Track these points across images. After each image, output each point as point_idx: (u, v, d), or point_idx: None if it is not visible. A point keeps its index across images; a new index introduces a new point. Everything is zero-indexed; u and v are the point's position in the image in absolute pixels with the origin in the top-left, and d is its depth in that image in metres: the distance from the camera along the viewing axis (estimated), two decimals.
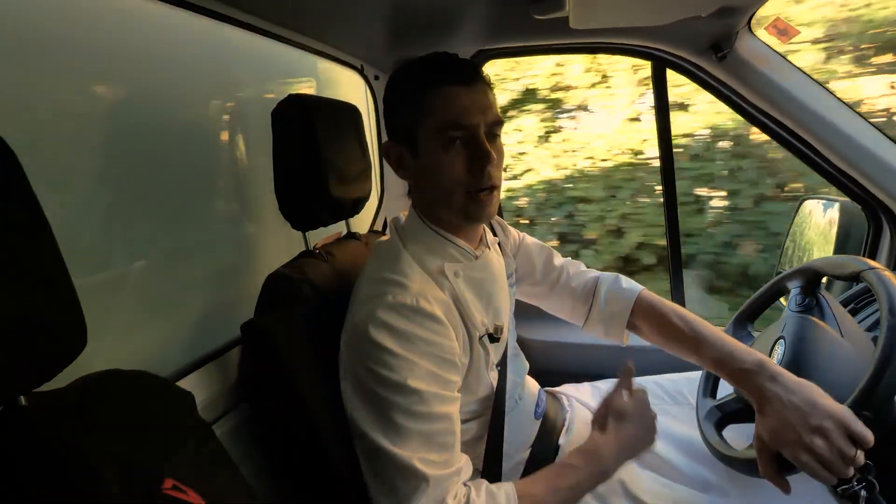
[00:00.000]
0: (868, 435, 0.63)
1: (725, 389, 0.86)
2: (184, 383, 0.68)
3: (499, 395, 0.82)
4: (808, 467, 0.63)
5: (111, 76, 0.79)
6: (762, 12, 0.99)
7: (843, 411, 0.64)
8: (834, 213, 1.18)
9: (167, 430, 0.48)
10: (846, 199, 1.16)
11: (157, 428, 0.47)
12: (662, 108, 1.26)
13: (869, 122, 1.05)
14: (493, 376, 0.81)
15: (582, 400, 1.02)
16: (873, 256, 1.19)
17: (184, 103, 0.94)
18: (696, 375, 0.96)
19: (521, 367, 0.96)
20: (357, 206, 0.98)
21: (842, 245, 1.16)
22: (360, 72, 1.26)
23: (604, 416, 0.77)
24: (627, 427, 0.76)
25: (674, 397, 1.02)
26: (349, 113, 0.95)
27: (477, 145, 0.71)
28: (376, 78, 1.29)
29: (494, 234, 0.93)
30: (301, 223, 0.85)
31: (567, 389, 1.07)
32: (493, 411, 0.81)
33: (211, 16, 0.82)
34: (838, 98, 1.05)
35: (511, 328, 0.90)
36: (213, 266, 0.99)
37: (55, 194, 0.67)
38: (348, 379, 0.70)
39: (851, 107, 1.06)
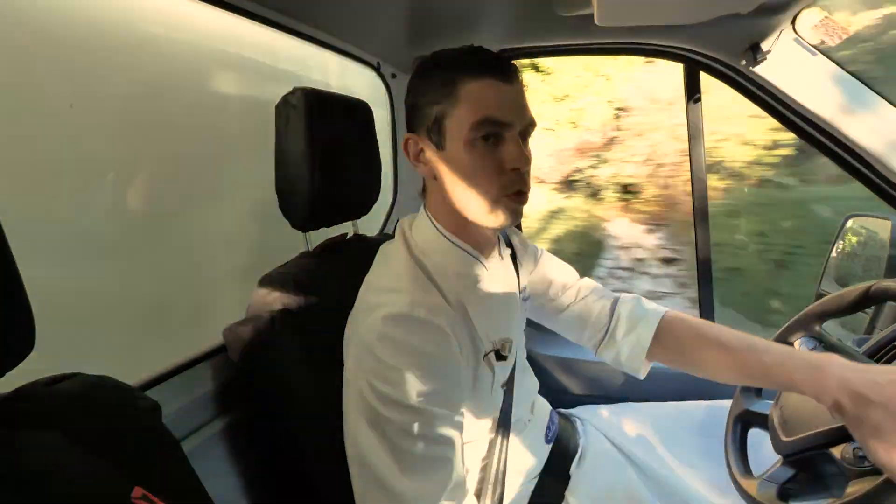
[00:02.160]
0: None
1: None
2: (159, 391, 0.64)
3: (504, 416, 0.75)
4: None
5: (115, 67, 0.77)
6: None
7: None
8: (884, 230, 1.07)
9: (129, 440, 0.44)
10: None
11: (119, 438, 0.43)
12: (696, 116, 1.18)
13: None
14: (499, 397, 0.75)
15: (598, 425, 0.95)
16: None
17: (184, 96, 0.92)
18: (727, 404, 0.87)
19: (530, 385, 0.89)
20: (365, 206, 0.94)
21: (893, 266, 1.05)
22: (377, 70, 1.23)
23: None
24: None
25: (701, 427, 0.94)
26: (359, 109, 0.91)
27: (514, 146, 0.66)
28: (393, 76, 1.25)
29: (509, 246, 0.86)
30: (301, 223, 0.81)
31: (582, 412, 1.00)
32: (498, 434, 0.75)
33: (223, 7, 0.79)
34: (892, 104, 0.95)
35: (520, 345, 0.83)
36: (205, 266, 0.95)
37: (39, 185, 0.65)
38: (350, 393, 0.66)
39: None
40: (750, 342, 0.71)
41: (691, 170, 1.22)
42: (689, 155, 1.19)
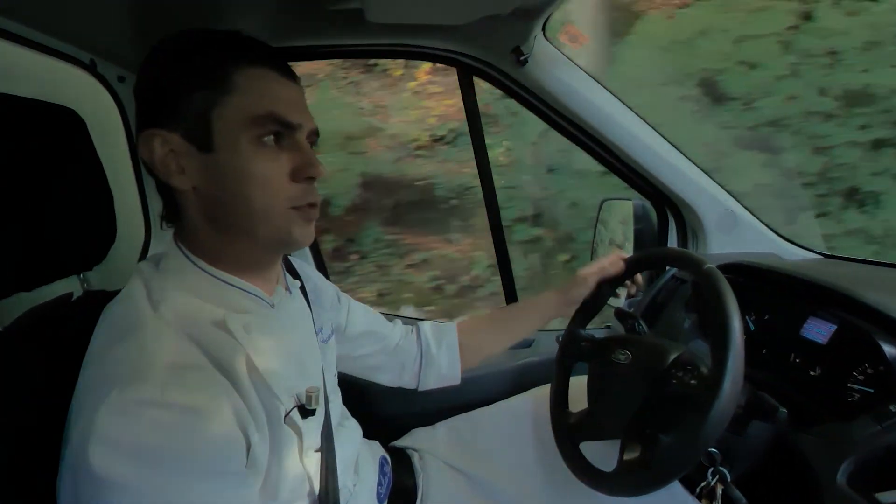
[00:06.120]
0: None
1: None
2: None
3: (327, 485, 0.61)
4: None
5: None
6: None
7: None
8: (629, 209, 1.28)
9: None
10: (638, 196, 1.27)
11: None
12: (474, 118, 1.22)
13: (649, 125, 1.15)
14: (311, 463, 0.60)
15: (434, 451, 0.88)
16: (663, 243, 1.33)
17: None
18: (547, 389, 0.90)
19: (352, 437, 0.76)
20: (95, 253, 0.68)
21: (639, 237, 1.26)
22: (92, 70, 0.91)
23: None
24: None
25: (534, 417, 0.94)
26: (60, 120, 0.65)
27: (304, 151, 0.56)
28: (121, 80, 0.96)
29: (295, 277, 0.72)
30: None
31: (417, 440, 0.92)
32: None
33: None
34: (624, 103, 1.13)
35: (333, 390, 0.70)
36: None
37: None
38: None
39: (636, 111, 1.15)
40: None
41: (478, 170, 1.26)
42: (475, 157, 1.23)
